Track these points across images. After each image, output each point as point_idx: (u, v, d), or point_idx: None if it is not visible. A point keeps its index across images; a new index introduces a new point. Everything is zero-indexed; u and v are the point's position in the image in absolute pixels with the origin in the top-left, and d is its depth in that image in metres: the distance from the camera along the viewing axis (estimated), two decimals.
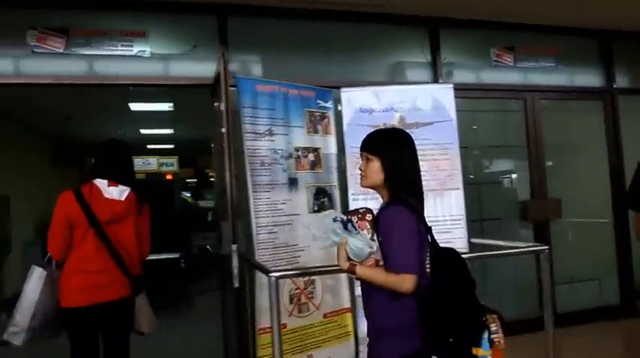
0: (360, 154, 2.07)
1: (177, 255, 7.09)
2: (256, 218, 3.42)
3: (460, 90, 4.09)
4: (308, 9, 4.22)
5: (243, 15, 4.12)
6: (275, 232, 3.53)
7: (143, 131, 9.80)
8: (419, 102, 3.99)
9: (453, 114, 3.98)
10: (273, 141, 3.58)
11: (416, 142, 3.78)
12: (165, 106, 7.68)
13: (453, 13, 4.53)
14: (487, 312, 1.87)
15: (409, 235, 1.84)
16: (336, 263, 1.97)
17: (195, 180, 14.79)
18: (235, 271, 3.13)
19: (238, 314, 3.25)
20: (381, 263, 1.87)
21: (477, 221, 4.62)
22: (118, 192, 2.81)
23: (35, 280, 2.72)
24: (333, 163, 3.93)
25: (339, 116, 3.98)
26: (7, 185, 7.22)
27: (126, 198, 2.82)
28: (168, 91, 6.62)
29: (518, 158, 5.18)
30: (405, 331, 1.86)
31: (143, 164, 8.35)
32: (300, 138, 3.76)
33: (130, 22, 3.93)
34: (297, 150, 3.73)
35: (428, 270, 1.89)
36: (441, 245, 1.97)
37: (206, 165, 14.92)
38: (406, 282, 1.80)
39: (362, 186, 2.07)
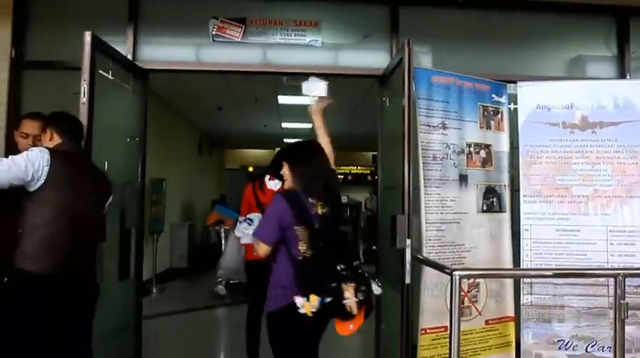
0: None
1: None
2: (426, 213, 3.31)
3: None
4: None
5: (415, 5, 4.02)
6: (443, 230, 3.39)
7: (284, 124, 10.08)
8: (604, 99, 3.62)
9: None
10: (446, 134, 3.43)
11: (599, 143, 3.58)
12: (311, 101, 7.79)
13: None
14: (347, 282, 2.41)
15: (272, 216, 2.55)
16: None
17: None
18: (408, 267, 3.03)
19: (406, 311, 3.14)
20: None
21: None
22: (274, 184, 4.06)
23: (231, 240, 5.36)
24: (505, 162, 3.69)
25: (511, 112, 3.75)
26: (161, 169, 7.73)
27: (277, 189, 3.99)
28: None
29: None
30: (284, 286, 2.49)
31: None
32: (473, 133, 3.57)
33: (304, 12, 3.97)
34: (468, 145, 3.54)
35: (303, 246, 2.48)
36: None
37: (341, 161, 15.20)
38: (260, 247, 2.58)
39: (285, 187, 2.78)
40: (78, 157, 2.61)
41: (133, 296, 3.93)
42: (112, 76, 3.47)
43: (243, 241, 3.12)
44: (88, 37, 3.04)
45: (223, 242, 7.01)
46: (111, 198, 2.72)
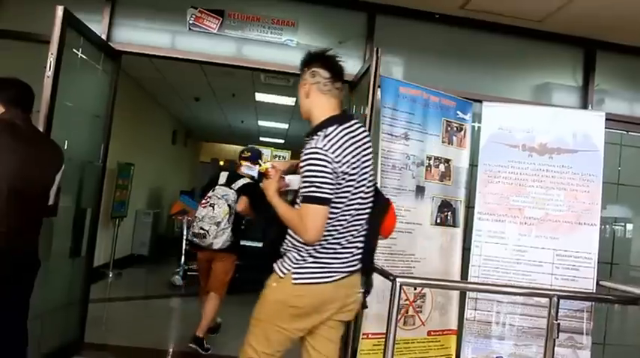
0: None
1: None
2: None
3: (609, 120, 3.78)
4: (459, 17, 4.09)
5: (392, 15, 4.08)
6: (394, 238, 3.43)
7: (261, 122, 10.08)
8: (564, 127, 3.72)
9: (600, 145, 3.69)
10: (407, 145, 3.50)
11: (555, 169, 3.68)
12: (289, 101, 7.83)
13: (612, 37, 4.19)
14: None
15: None
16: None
17: None
18: None
19: None
20: None
21: (606, 263, 4.22)
22: None
23: None
24: (463, 178, 3.78)
25: (474, 130, 3.84)
26: (131, 154, 7.66)
27: None
28: (296, 86, 6.73)
29: None
30: None
31: None
32: (434, 147, 3.64)
33: (282, 11, 4.01)
34: (429, 158, 3.62)
35: None
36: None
37: None
38: None
39: None
40: (23, 127, 2.49)
41: (82, 274, 3.90)
42: (82, 53, 3.46)
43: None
44: (59, 11, 3.03)
45: (185, 232, 6.97)
46: (62, 169, 2.66)
